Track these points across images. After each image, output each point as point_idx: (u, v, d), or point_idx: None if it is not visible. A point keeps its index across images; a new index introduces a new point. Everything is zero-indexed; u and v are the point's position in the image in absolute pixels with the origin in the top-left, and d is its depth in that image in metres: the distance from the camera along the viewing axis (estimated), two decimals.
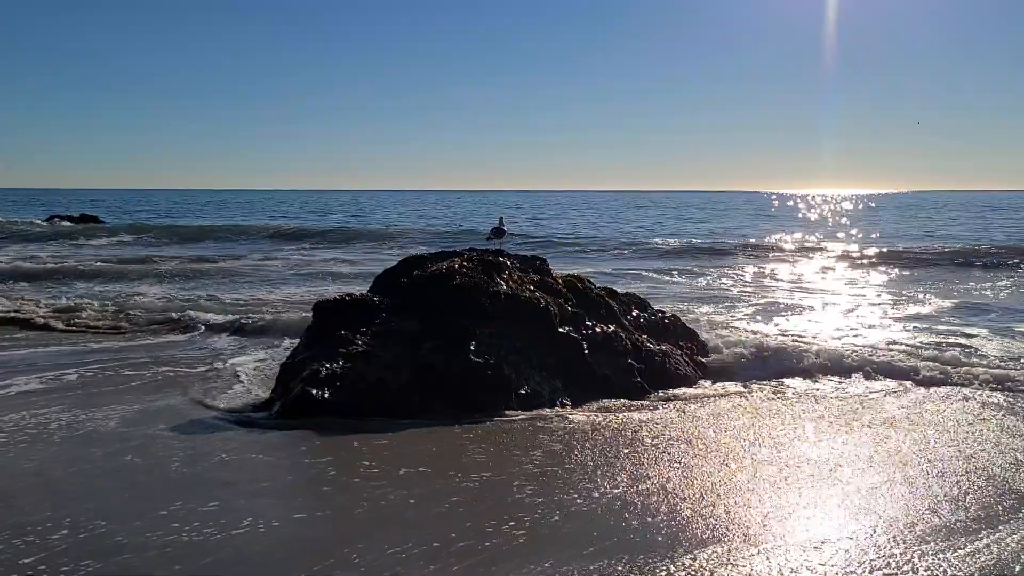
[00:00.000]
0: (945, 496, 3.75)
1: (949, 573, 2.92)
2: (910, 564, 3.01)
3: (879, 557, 3.09)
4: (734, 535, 3.33)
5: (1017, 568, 2.93)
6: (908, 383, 6.06)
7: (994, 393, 5.71)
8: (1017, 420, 5.08)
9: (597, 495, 3.84)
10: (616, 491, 3.90)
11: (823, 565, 3.03)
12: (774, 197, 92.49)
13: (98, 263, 15.89)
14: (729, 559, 3.09)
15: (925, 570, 2.96)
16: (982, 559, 3.02)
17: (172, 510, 3.54)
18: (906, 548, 3.17)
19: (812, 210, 50.16)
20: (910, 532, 3.33)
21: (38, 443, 4.62)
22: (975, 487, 3.85)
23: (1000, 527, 3.31)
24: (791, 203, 69.13)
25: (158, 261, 16.83)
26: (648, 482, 4.02)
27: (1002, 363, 6.37)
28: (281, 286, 12.31)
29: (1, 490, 3.83)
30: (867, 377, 6.22)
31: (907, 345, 7.11)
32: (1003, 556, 3.03)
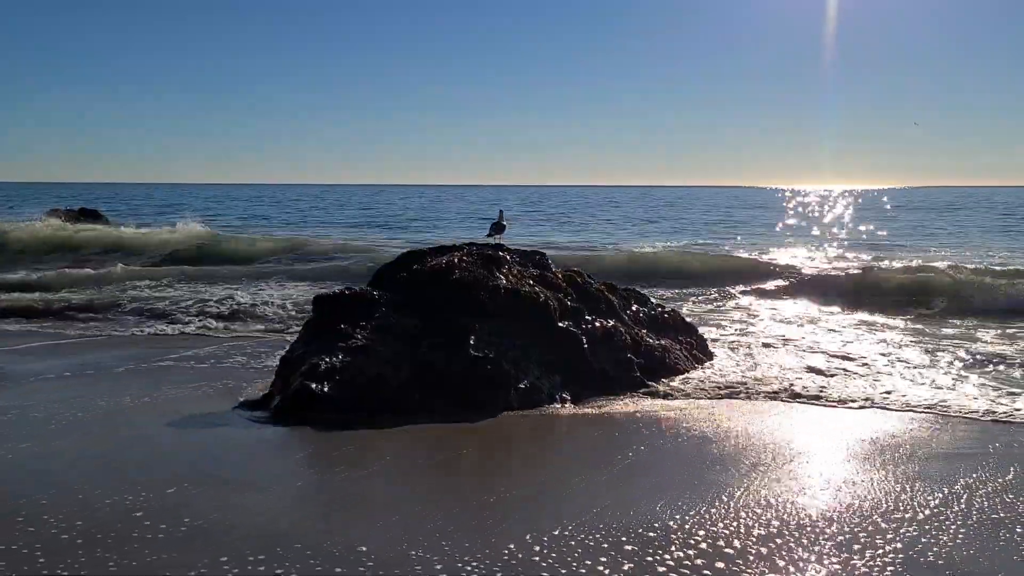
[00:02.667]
0: None
1: None
2: None
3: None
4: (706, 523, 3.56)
5: None
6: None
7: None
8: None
9: (589, 482, 4.07)
10: (610, 474, 4.15)
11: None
12: (785, 193, 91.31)
13: None
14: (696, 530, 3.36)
15: None
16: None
17: (166, 503, 3.68)
18: None
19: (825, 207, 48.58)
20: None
21: (36, 431, 4.80)
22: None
23: None
24: (788, 198, 68.63)
25: None
26: (637, 470, 4.26)
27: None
28: None
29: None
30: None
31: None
32: None
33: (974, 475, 4.10)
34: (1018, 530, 3.42)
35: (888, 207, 46.81)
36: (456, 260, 6.33)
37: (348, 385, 5.26)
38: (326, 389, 5.18)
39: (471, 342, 5.58)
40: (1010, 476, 4.08)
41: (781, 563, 3.10)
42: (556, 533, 3.35)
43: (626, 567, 3.07)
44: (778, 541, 3.31)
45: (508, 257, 6.64)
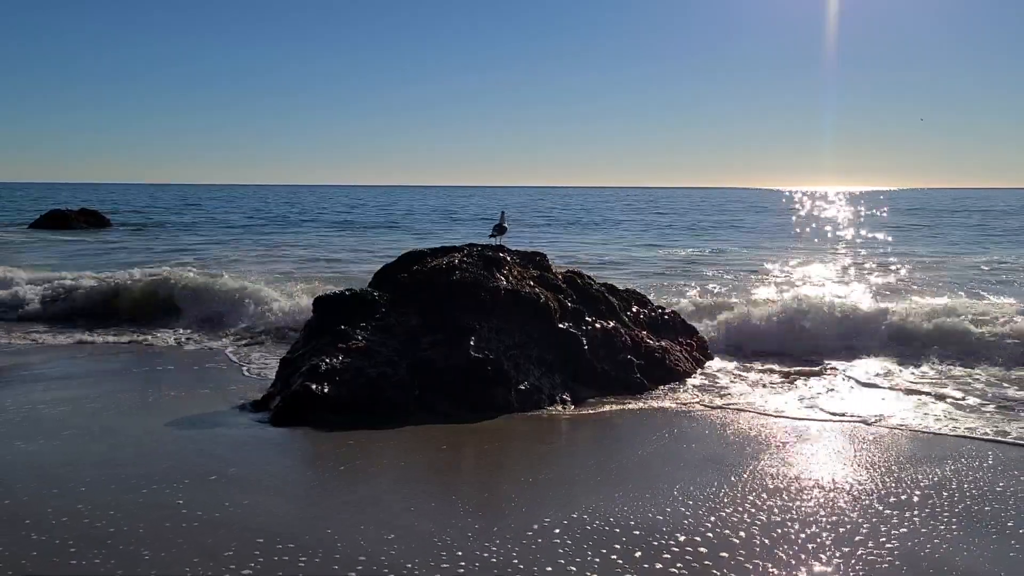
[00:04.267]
0: None
1: None
2: None
3: None
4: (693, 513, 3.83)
5: None
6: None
7: None
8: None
9: (594, 478, 4.29)
10: (613, 472, 4.36)
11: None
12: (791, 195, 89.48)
13: None
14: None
15: None
16: None
17: (187, 500, 3.85)
18: None
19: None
20: None
21: (33, 437, 4.94)
22: None
23: None
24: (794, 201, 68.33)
25: None
26: (640, 468, 4.48)
27: None
28: None
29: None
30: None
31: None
32: None
33: (951, 470, 4.40)
34: None
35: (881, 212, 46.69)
36: (456, 260, 6.44)
37: (349, 385, 5.39)
38: (327, 390, 5.31)
39: (471, 343, 5.75)
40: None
41: (783, 556, 3.33)
42: (576, 516, 3.64)
43: (637, 554, 3.32)
44: (780, 531, 3.54)
45: (508, 258, 6.81)
